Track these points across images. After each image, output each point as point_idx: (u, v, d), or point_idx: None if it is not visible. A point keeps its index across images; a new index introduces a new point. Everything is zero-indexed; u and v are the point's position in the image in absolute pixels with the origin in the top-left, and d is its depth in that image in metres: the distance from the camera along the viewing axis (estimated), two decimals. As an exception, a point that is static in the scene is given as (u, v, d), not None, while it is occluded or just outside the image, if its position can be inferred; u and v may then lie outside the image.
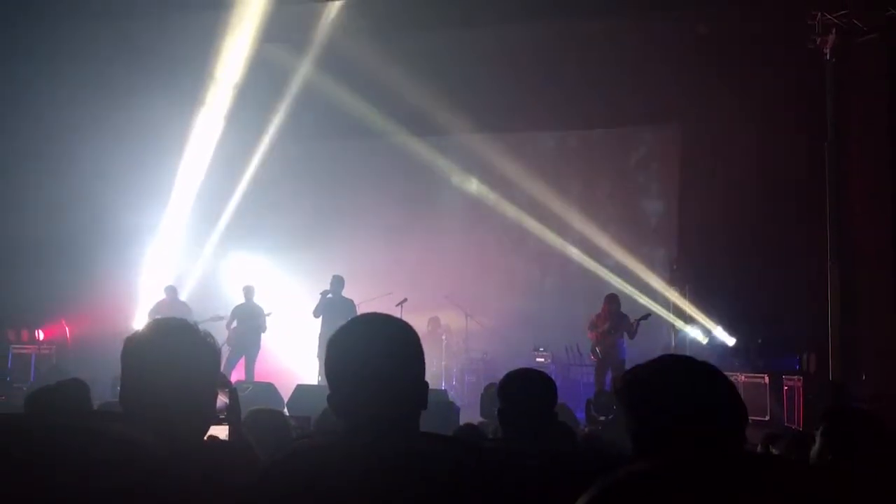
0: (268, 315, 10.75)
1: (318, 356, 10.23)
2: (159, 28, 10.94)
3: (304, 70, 11.92)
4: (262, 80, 11.95)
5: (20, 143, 11.38)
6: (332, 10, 11.17)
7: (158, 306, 11.08)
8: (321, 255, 12.42)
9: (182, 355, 1.75)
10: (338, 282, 10.38)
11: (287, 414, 5.11)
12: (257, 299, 10.97)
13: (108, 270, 11.57)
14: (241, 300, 10.94)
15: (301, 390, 8.68)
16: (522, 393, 2.80)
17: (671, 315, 11.43)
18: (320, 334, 10.17)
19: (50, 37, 10.89)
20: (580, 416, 8.29)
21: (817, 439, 2.78)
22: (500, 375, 2.93)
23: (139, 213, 12.12)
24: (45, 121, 11.26)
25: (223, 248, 13.16)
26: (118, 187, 11.45)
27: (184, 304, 11.23)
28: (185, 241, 12.82)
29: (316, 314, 10.30)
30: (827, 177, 9.68)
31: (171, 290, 11.33)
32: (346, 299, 10.29)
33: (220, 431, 2.02)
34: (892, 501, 1.73)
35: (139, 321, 11.42)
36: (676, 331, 11.37)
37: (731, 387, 1.60)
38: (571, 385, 10.86)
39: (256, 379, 9.99)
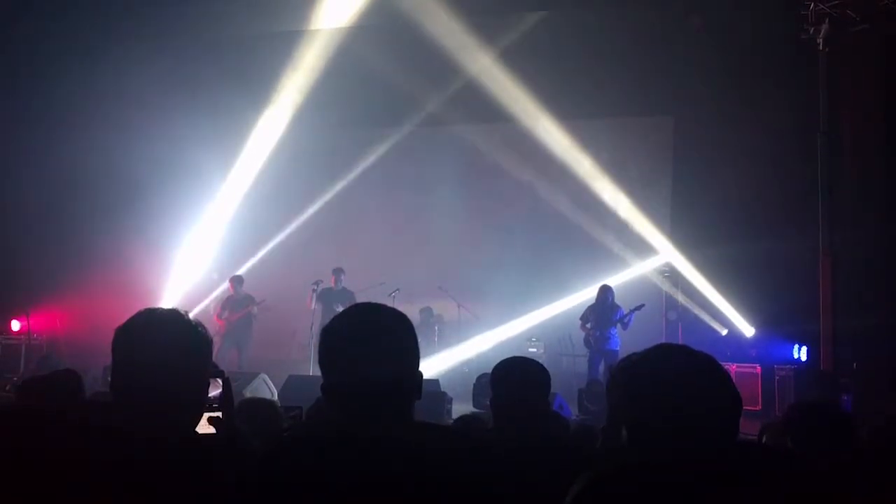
0: (260, 303, 10.72)
1: (312, 346, 10.25)
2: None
3: (301, 60, 11.86)
4: (258, 68, 11.90)
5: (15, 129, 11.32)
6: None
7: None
8: (314, 244, 12.42)
9: (173, 345, 1.73)
10: (339, 273, 10.51)
11: (279, 404, 5.10)
12: (248, 289, 10.96)
13: (100, 260, 11.51)
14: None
15: (293, 380, 8.70)
16: (515, 382, 2.79)
17: (664, 305, 11.46)
18: (314, 324, 10.20)
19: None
20: (573, 404, 8.34)
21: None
22: (493, 365, 2.91)
23: (134, 205, 12.08)
24: (38, 108, 11.20)
25: (216, 239, 13.12)
26: (113, 177, 11.41)
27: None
28: (181, 233, 12.79)
29: (311, 304, 10.36)
30: (819, 167, 9.68)
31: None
32: (347, 290, 10.43)
33: (213, 421, 2.01)
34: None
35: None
36: (669, 321, 11.40)
37: (725, 375, 1.59)
38: (564, 375, 10.87)
39: (248, 369, 9.99)
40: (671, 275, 11.60)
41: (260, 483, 1.56)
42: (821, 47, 9.62)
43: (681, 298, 11.45)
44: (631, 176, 12.12)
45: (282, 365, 10.92)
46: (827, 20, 9.49)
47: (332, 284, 10.48)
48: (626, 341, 9.69)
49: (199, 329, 1.80)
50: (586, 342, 10.08)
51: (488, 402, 2.82)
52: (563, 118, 11.87)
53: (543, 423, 2.79)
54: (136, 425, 1.63)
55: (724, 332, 10.98)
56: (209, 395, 1.90)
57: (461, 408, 7.50)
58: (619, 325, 9.84)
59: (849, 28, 9.49)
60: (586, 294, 10.88)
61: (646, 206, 12.00)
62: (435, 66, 11.06)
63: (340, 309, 7.64)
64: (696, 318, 11.20)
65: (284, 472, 1.56)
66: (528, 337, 11.92)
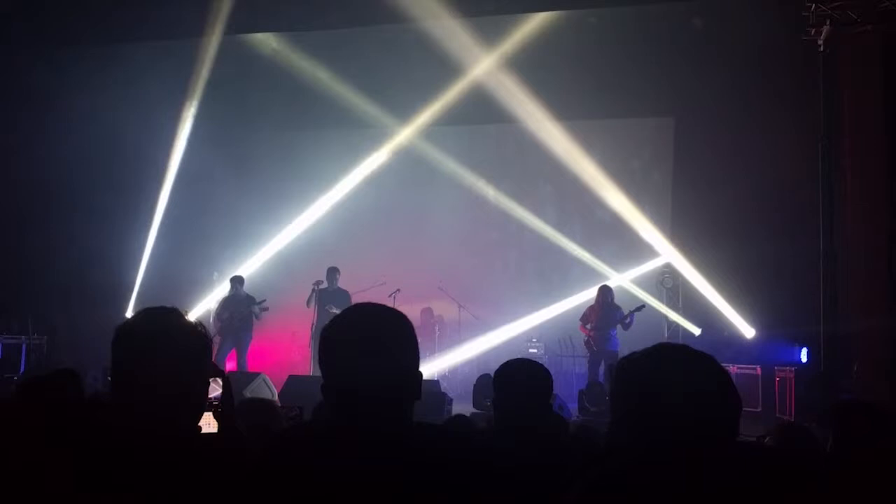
0: (261, 303, 10.68)
1: (312, 347, 10.25)
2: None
3: (288, 58, 11.85)
4: (243, 69, 11.88)
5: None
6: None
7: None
8: (315, 245, 12.42)
9: (173, 345, 1.73)
10: (333, 273, 10.48)
11: (279, 404, 5.10)
12: (248, 289, 10.96)
13: (101, 258, 11.51)
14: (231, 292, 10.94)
15: (293, 381, 8.70)
16: (518, 383, 2.79)
17: (665, 306, 11.47)
18: (314, 325, 10.19)
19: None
20: (572, 405, 8.35)
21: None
22: (493, 367, 2.92)
23: (131, 203, 12.08)
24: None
25: (215, 239, 13.11)
26: (114, 177, 11.40)
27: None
28: (182, 233, 12.78)
29: (309, 304, 10.35)
30: (820, 168, 9.67)
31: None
32: (342, 290, 10.38)
33: (213, 420, 2.01)
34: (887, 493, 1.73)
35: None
36: (670, 322, 11.40)
37: (725, 376, 1.59)
38: (564, 376, 10.88)
39: (248, 369, 9.99)
40: (671, 276, 11.61)
41: (258, 482, 1.56)
42: (821, 49, 9.62)
43: (682, 299, 11.46)
44: (632, 177, 12.12)
45: (282, 365, 10.93)
46: (828, 21, 9.47)
47: (327, 285, 10.46)
48: (626, 342, 9.69)
49: (199, 329, 1.80)
50: (587, 344, 10.06)
51: (489, 403, 2.82)
52: (565, 119, 11.86)
53: (544, 424, 2.79)
54: (135, 425, 1.63)
55: (725, 333, 10.96)
56: (209, 395, 1.90)
57: (461, 408, 7.50)
58: (619, 326, 9.84)
59: (849, 29, 9.48)
60: (586, 295, 10.89)
61: (646, 207, 12.00)
62: (436, 66, 11.05)
63: (334, 310, 7.63)
64: (697, 319, 11.19)
65: (282, 471, 1.56)
66: (528, 338, 11.91)
